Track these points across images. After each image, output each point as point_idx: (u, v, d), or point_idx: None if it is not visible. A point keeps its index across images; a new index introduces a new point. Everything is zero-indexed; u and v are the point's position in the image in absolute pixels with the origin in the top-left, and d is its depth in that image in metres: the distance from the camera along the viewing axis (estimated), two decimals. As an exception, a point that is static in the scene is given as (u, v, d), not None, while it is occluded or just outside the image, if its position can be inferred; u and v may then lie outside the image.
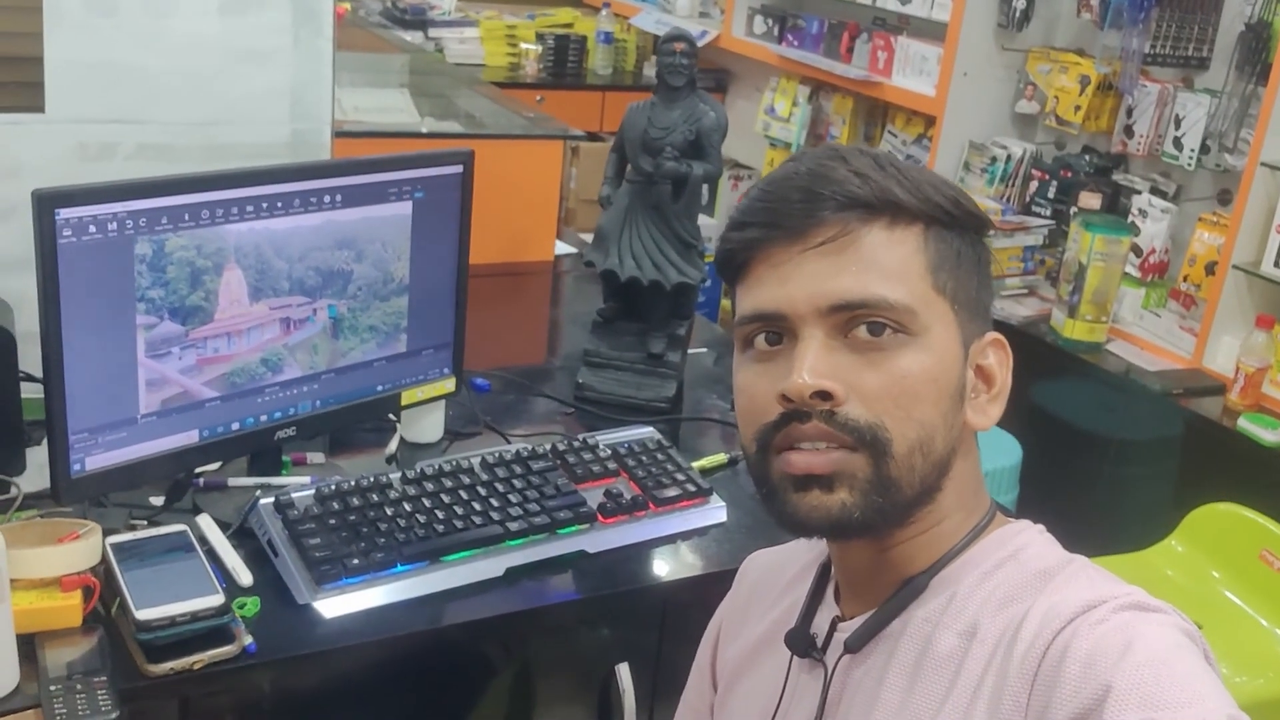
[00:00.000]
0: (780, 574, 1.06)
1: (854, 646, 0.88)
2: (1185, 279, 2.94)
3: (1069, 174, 3.28)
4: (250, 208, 1.36)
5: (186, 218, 1.31)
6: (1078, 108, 3.21)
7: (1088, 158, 3.28)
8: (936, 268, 0.84)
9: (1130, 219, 3.03)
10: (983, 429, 0.88)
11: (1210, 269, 2.84)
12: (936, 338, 0.84)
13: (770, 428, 0.84)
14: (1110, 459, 2.80)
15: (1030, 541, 0.88)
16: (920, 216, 0.84)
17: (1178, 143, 2.99)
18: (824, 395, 0.81)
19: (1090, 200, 3.02)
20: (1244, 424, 2.53)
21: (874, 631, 0.88)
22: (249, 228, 1.37)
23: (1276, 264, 2.63)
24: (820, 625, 0.94)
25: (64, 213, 1.21)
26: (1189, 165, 2.97)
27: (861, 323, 0.82)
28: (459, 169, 1.56)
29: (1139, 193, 3.09)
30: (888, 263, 0.83)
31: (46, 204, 1.19)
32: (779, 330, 0.85)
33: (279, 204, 1.39)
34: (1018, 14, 3.34)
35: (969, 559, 0.87)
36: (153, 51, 1.58)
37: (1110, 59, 3.13)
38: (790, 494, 0.84)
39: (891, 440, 0.81)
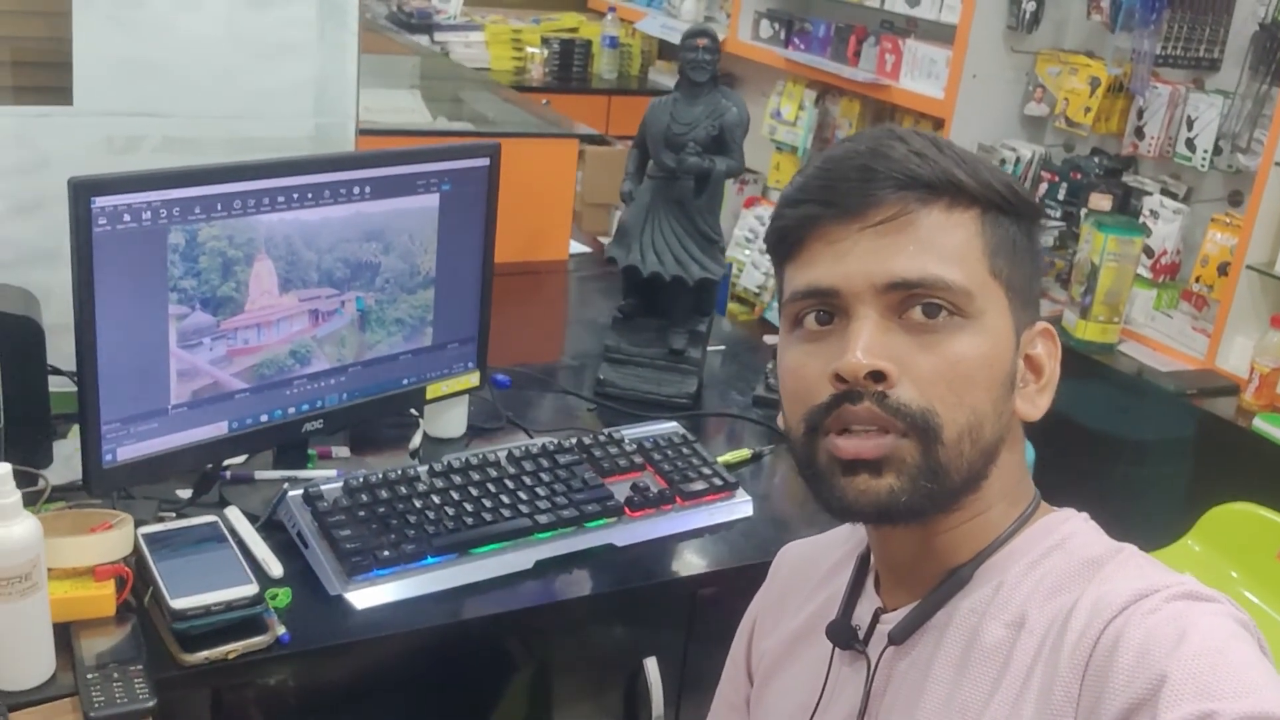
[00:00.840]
0: (816, 566, 1.05)
1: (898, 638, 0.88)
2: (1198, 280, 2.93)
3: (1079, 176, 3.28)
4: (281, 198, 1.36)
5: (219, 207, 1.31)
6: (1088, 109, 3.21)
7: (1097, 159, 3.28)
8: (993, 252, 0.84)
9: (1141, 220, 3.04)
10: (1031, 419, 0.88)
11: (1223, 270, 2.84)
12: (991, 322, 0.83)
13: (821, 409, 0.83)
14: (1125, 459, 2.80)
15: (1077, 530, 0.87)
16: (978, 200, 0.84)
17: (1190, 144, 2.99)
18: (878, 376, 0.80)
19: (1101, 201, 3.02)
20: (1259, 424, 2.53)
21: (919, 622, 0.87)
22: (279, 219, 1.37)
23: (1291, 264, 2.63)
24: (861, 617, 0.93)
25: (99, 201, 1.20)
26: (1201, 166, 2.97)
27: (917, 303, 0.82)
28: (486, 161, 1.56)
29: (1150, 194, 3.09)
30: (946, 244, 0.82)
31: (82, 192, 1.19)
32: (831, 309, 0.84)
33: (309, 195, 1.39)
34: (1027, 16, 3.34)
35: (1015, 548, 0.86)
36: (179, 45, 1.58)
37: (1121, 60, 3.13)
38: (838, 478, 0.83)
39: (943, 426, 0.81)
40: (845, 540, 1.03)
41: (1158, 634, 0.74)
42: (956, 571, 0.87)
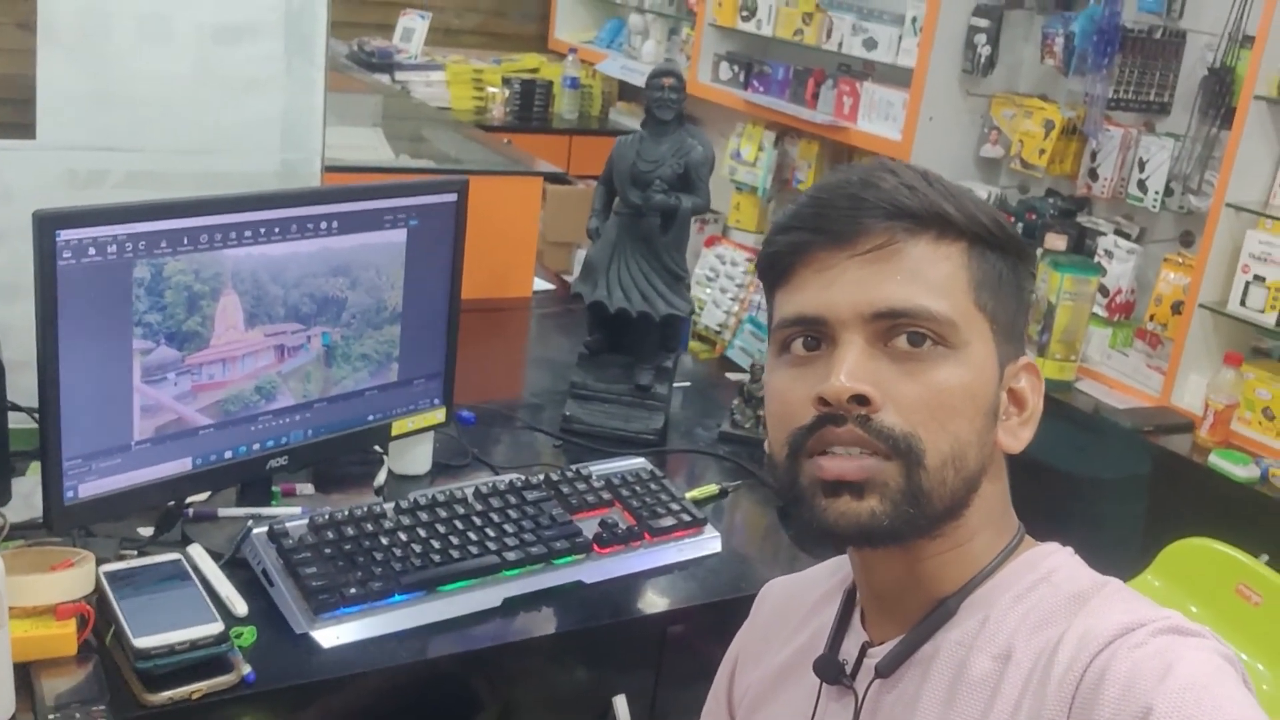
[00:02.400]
0: (801, 601, 1.05)
1: (885, 671, 0.88)
2: (1152, 318, 2.99)
3: (1034, 217, 3.33)
4: (249, 233, 1.35)
5: (185, 241, 1.30)
6: (1042, 151, 3.28)
7: (1052, 200, 3.35)
8: (979, 285, 0.85)
9: (1096, 260, 3.09)
10: (1013, 451, 0.88)
11: (1176, 308, 2.90)
12: (975, 354, 0.84)
13: (804, 431, 0.84)
14: (1083, 496, 2.83)
15: (1062, 564, 0.88)
16: (965, 234, 0.85)
17: (1142, 185, 3.06)
18: (861, 400, 0.81)
19: (1057, 242, 3.08)
20: (1215, 460, 2.57)
21: (905, 655, 0.87)
22: (246, 253, 1.36)
23: (1243, 303, 2.68)
24: (848, 651, 0.93)
25: (64, 234, 1.19)
26: (1153, 207, 3.04)
27: (902, 332, 0.82)
28: (454, 197, 1.56)
29: (1104, 234, 3.15)
30: (932, 275, 0.83)
31: (47, 225, 1.18)
32: (818, 335, 0.85)
33: (276, 229, 1.38)
34: (982, 60, 3.41)
35: (1000, 581, 0.87)
36: (145, 79, 1.57)
37: (1074, 104, 3.20)
38: (820, 499, 0.83)
39: (925, 451, 0.81)
40: (830, 576, 1.03)
41: (1144, 667, 0.74)
42: (943, 603, 0.87)
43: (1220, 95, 2.82)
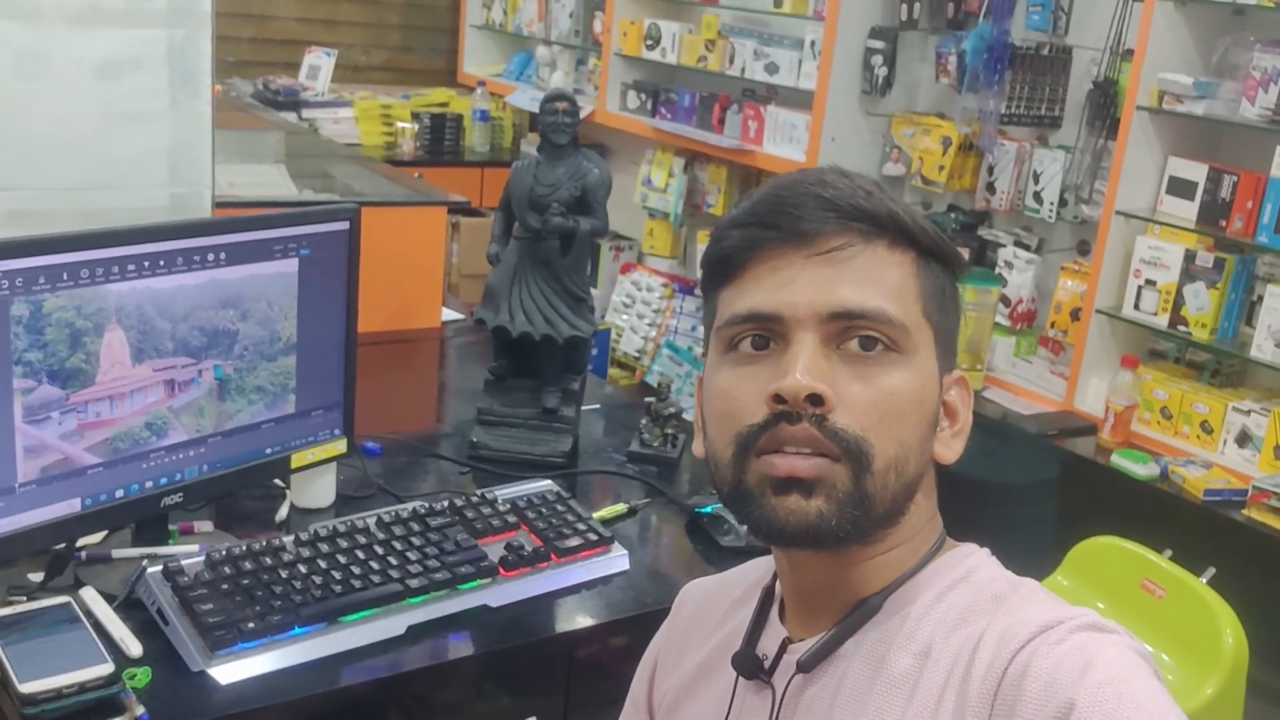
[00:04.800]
0: (719, 601, 1.05)
1: (808, 666, 0.88)
2: (1053, 326, 3.06)
3: (937, 231, 3.40)
4: (131, 266, 1.33)
5: (65, 277, 1.28)
6: (941, 168, 3.35)
7: (954, 215, 3.42)
8: (927, 295, 0.86)
9: (997, 271, 3.16)
10: (946, 462, 0.90)
11: (1075, 315, 2.97)
12: (922, 361, 0.85)
13: (756, 429, 0.83)
14: (993, 502, 2.88)
15: (980, 564, 0.90)
16: (916, 243, 0.86)
17: (1038, 197, 3.14)
18: (816, 400, 0.81)
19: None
20: (1117, 460, 2.64)
21: (828, 651, 0.88)
22: (130, 287, 1.34)
23: (1136, 306, 2.76)
24: (767, 647, 0.94)
25: (-65, 272, 1.16)
26: (1049, 218, 3.12)
27: (855, 335, 0.83)
28: (345, 225, 1.55)
29: (1004, 246, 3.23)
30: (887, 281, 0.84)
31: (-83, 263, 1.15)
32: (769, 334, 0.85)
33: (161, 263, 1.36)
34: (880, 81, 3.49)
35: (921, 580, 0.88)
36: (24, 115, 1.55)
37: (969, 120, 3.28)
38: (769, 497, 0.83)
39: (874, 456, 0.82)
40: (747, 576, 1.04)
41: (1064, 663, 0.76)
42: (866, 601, 0.88)
43: (1105, 107, 2.92)
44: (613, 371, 4.31)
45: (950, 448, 0.89)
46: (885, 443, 0.82)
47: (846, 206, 0.84)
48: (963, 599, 0.86)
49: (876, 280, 0.84)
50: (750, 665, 0.93)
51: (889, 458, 0.82)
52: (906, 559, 0.89)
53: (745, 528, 0.88)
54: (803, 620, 0.92)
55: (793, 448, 0.82)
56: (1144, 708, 0.73)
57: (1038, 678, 0.76)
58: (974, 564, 0.89)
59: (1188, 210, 2.75)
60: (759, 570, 1.01)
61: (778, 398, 0.81)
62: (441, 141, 5.04)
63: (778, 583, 0.96)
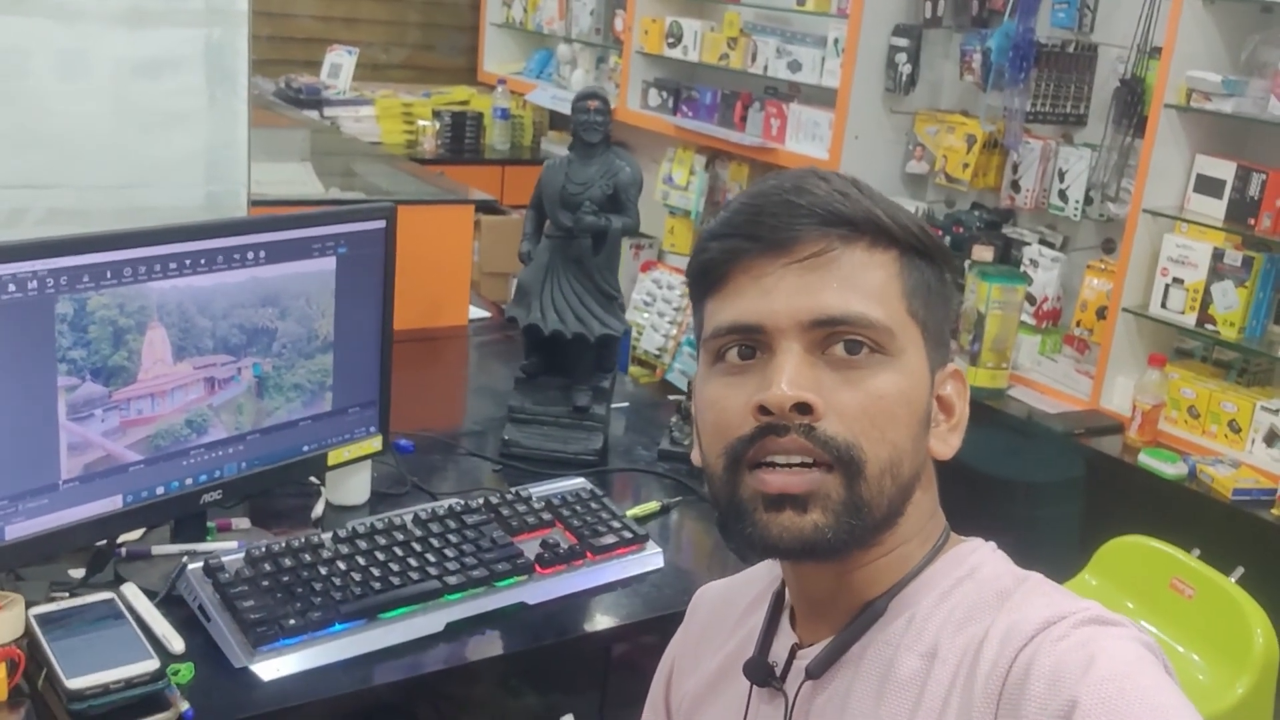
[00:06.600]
0: (733, 605, 1.05)
1: (815, 672, 0.88)
2: (1078, 324, 3.05)
3: (960, 230, 3.40)
4: (173, 265, 1.34)
5: (109, 275, 1.28)
6: (966, 165, 3.34)
7: (978, 213, 3.41)
8: (911, 294, 0.85)
9: (1022, 269, 3.15)
10: (943, 458, 0.89)
11: (1101, 314, 2.96)
12: (910, 361, 0.85)
13: (744, 441, 0.82)
14: (1019, 501, 2.87)
15: (985, 560, 0.89)
16: (898, 242, 0.85)
17: (1063, 195, 3.13)
18: (803, 408, 0.81)
19: (983, 253, 3.14)
20: (1145, 459, 2.63)
21: (835, 656, 0.87)
22: (172, 285, 1.35)
23: (1163, 305, 2.75)
24: (779, 653, 0.93)
25: (-17, 271, 1.17)
26: (1075, 216, 3.11)
27: (839, 340, 0.82)
28: (382, 224, 1.56)
29: (1028, 244, 3.22)
30: (868, 283, 0.84)
31: (-35, 262, 1.16)
32: (754, 344, 0.84)
33: (202, 261, 1.37)
34: (904, 78, 3.48)
35: (926, 579, 0.87)
36: (65, 115, 1.56)
37: (994, 118, 3.27)
38: (761, 513, 0.82)
39: (866, 461, 0.81)
40: (761, 578, 1.04)
41: (1067, 660, 0.75)
42: (871, 604, 0.87)
43: (1132, 105, 2.90)
44: (633, 369, 4.31)
45: (946, 443, 0.89)
46: (877, 447, 0.82)
47: (822, 211, 0.83)
48: (967, 597, 0.85)
49: (857, 283, 0.83)
50: (762, 673, 0.93)
51: (883, 462, 0.82)
52: (910, 558, 0.88)
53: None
54: (811, 625, 0.92)
55: (782, 459, 0.81)
56: (1148, 703, 0.72)
57: (1041, 676, 0.75)
58: (978, 560, 0.88)
59: (1216, 208, 2.74)
60: (772, 571, 1.01)
61: (763, 409, 0.81)
62: (462, 140, 5.05)
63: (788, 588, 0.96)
